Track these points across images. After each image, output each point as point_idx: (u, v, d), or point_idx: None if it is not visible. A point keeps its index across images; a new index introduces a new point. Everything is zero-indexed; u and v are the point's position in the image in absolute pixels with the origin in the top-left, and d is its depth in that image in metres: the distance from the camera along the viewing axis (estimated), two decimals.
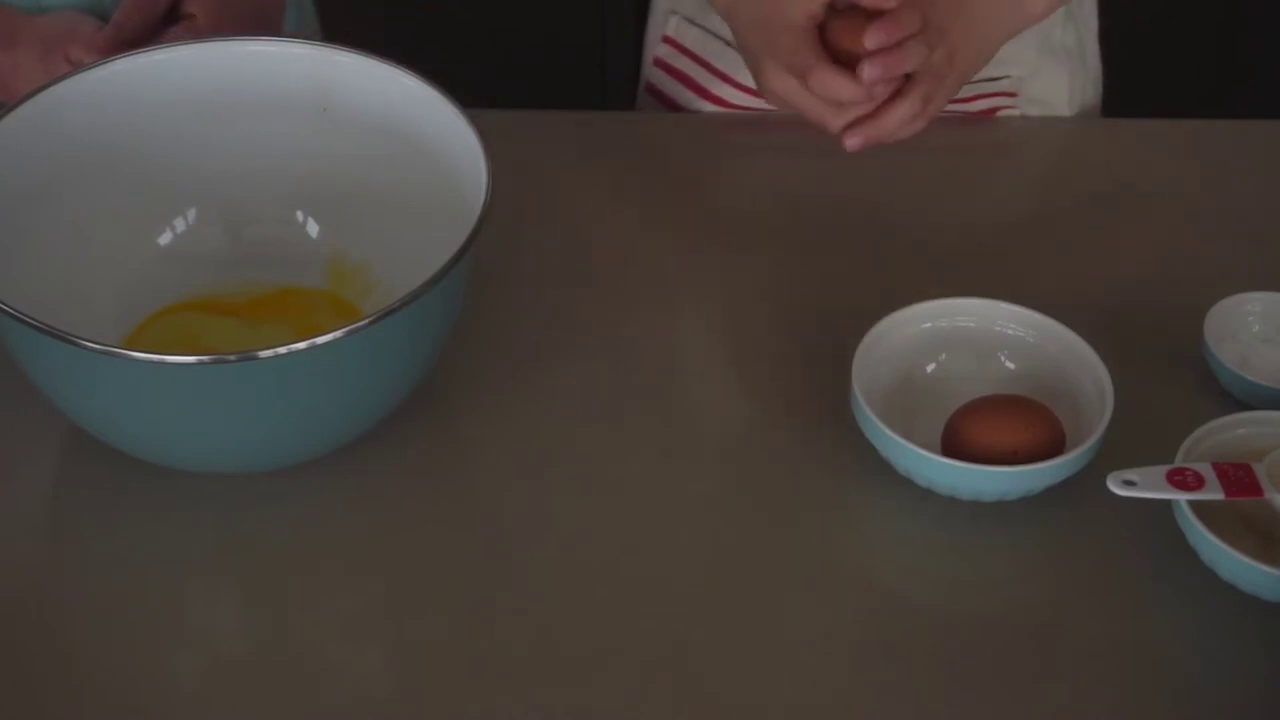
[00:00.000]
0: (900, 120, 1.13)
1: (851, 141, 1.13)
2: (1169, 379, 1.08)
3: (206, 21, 1.17)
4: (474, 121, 1.02)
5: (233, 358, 0.89)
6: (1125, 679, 0.92)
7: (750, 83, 1.33)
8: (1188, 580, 0.95)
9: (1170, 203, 1.24)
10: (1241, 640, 0.93)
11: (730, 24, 1.17)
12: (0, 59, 1.16)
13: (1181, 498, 0.94)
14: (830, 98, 1.11)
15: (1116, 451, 0.98)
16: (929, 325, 1.07)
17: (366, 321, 0.90)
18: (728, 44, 1.34)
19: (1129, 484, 0.94)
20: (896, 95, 1.13)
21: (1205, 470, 0.95)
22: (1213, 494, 0.94)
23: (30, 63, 1.15)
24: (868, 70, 1.10)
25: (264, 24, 1.24)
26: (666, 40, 1.39)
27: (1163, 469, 0.95)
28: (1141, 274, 1.17)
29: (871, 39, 1.09)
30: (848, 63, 1.10)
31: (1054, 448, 0.99)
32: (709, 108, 1.36)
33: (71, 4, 1.21)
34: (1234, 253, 1.19)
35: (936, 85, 1.14)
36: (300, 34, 1.36)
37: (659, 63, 1.39)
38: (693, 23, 1.37)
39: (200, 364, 0.89)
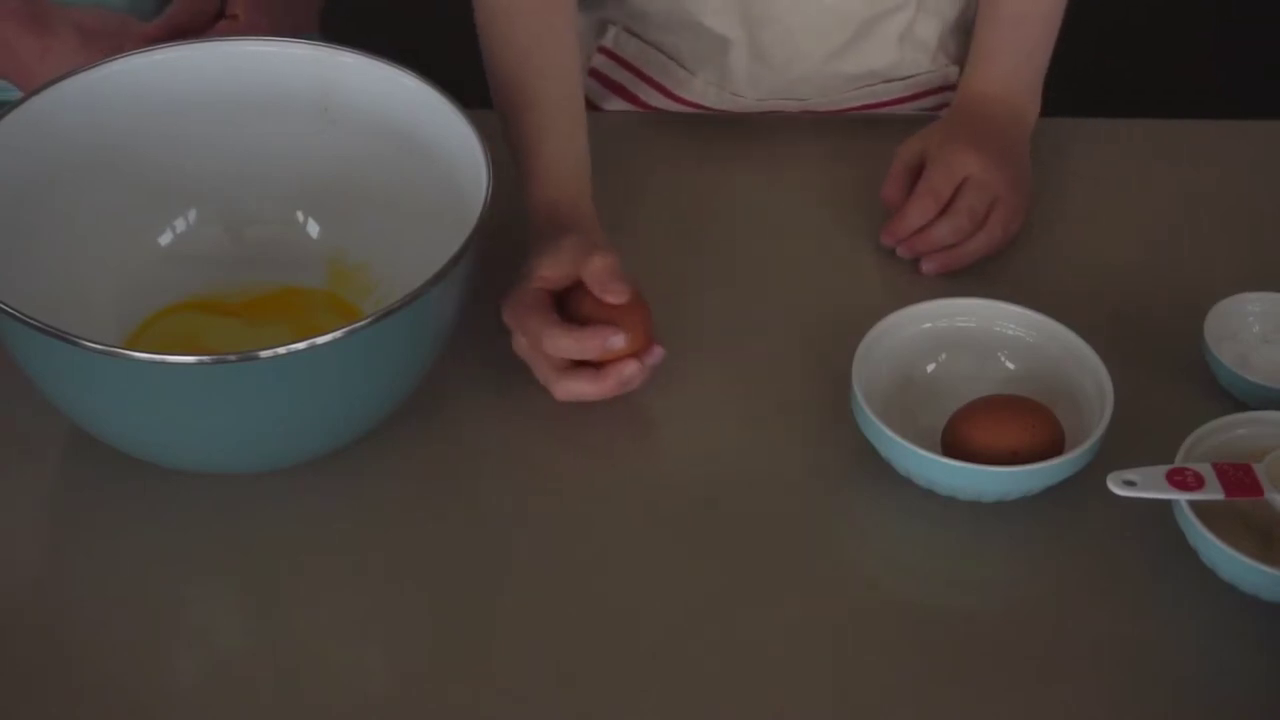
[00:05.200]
0: (978, 254, 1.16)
1: (928, 267, 1.16)
2: (1169, 379, 1.08)
3: (248, 21, 1.19)
4: (474, 121, 1.02)
5: (233, 358, 0.89)
6: (1125, 679, 0.92)
7: (687, 94, 1.34)
8: (1188, 580, 0.95)
9: (1170, 203, 1.24)
10: (1241, 640, 0.93)
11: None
12: (30, 43, 1.16)
13: (1181, 498, 0.94)
14: (559, 354, 1.04)
15: (1116, 451, 0.98)
16: (929, 325, 1.07)
17: (366, 321, 0.90)
18: (669, 57, 1.35)
19: (1129, 484, 0.94)
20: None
21: (1205, 470, 0.95)
22: (1213, 494, 0.94)
23: (65, 48, 1.15)
24: (901, 250, 1.16)
25: (298, 27, 1.26)
26: (604, 51, 1.38)
27: (1163, 469, 0.95)
28: (1141, 274, 1.17)
29: (885, 239, 1.16)
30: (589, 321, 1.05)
31: (1054, 448, 0.99)
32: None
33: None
34: (1234, 253, 1.19)
35: (1011, 212, 1.17)
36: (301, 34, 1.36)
37: (595, 74, 1.38)
38: (633, 34, 1.36)
39: (200, 364, 0.89)
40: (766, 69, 1.31)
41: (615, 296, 1.03)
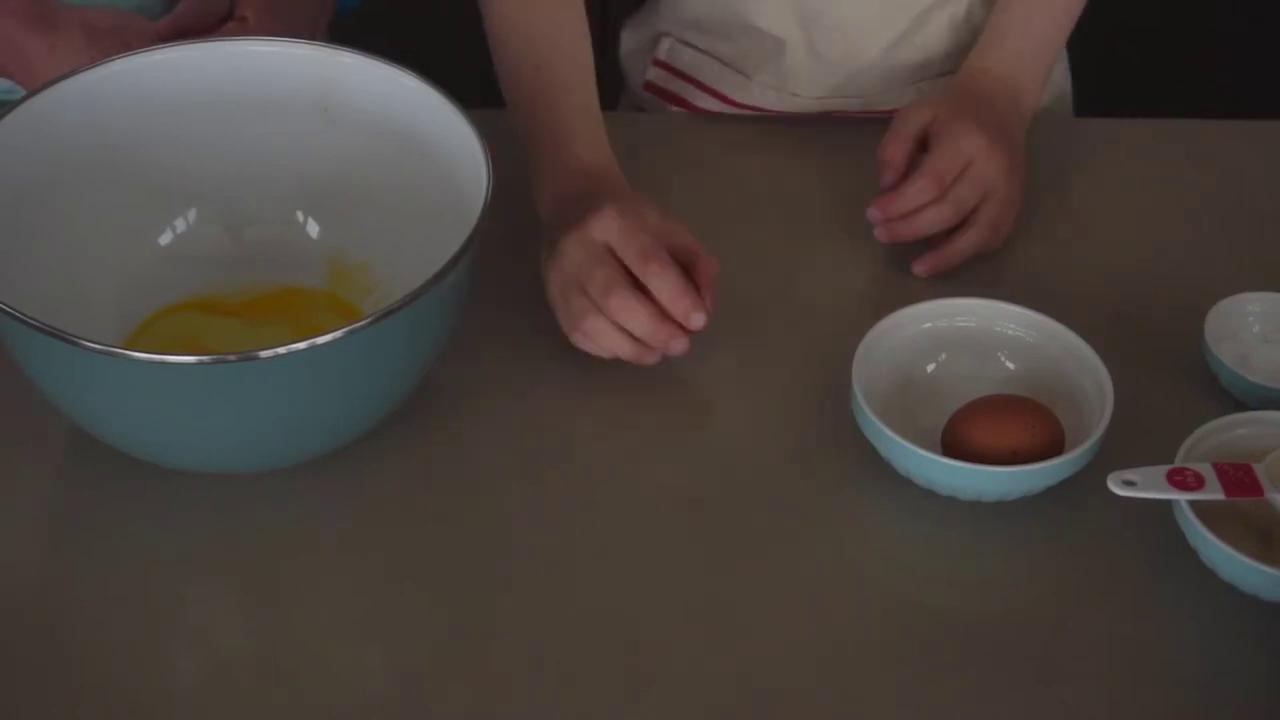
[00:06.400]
0: (967, 253, 1.15)
1: (920, 268, 1.14)
2: (1169, 379, 1.08)
3: (258, 23, 1.19)
4: (474, 121, 1.02)
5: (233, 358, 0.89)
6: (1125, 679, 0.92)
7: (745, 98, 1.33)
8: (1188, 580, 0.95)
9: (1170, 203, 1.24)
10: (1241, 640, 0.93)
11: (545, 222, 1.11)
12: (35, 41, 1.16)
13: (1181, 498, 0.94)
14: (624, 321, 1.04)
15: (1116, 451, 0.98)
16: (929, 325, 1.07)
17: (366, 321, 0.90)
18: (725, 64, 1.34)
19: (1129, 484, 0.94)
20: (962, 226, 1.15)
21: (1205, 470, 0.95)
22: (1213, 494, 0.94)
23: (71, 47, 1.15)
24: (877, 231, 1.14)
25: (311, 29, 1.26)
26: (658, 64, 1.38)
27: (1163, 469, 0.95)
28: (1141, 274, 1.17)
29: (873, 212, 1.14)
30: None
31: (1054, 448, 0.99)
32: None
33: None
34: (1234, 253, 1.19)
35: (1001, 208, 1.15)
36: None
37: (650, 87, 1.38)
38: (687, 44, 1.36)
39: (200, 364, 0.89)
40: (824, 66, 1.31)
41: (698, 324, 1.03)
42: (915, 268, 1.15)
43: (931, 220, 1.14)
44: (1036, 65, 1.25)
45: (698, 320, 1.02)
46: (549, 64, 1.16)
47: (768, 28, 1.30)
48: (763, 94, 1.33)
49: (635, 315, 1.02)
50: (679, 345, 1.03)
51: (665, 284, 1.02)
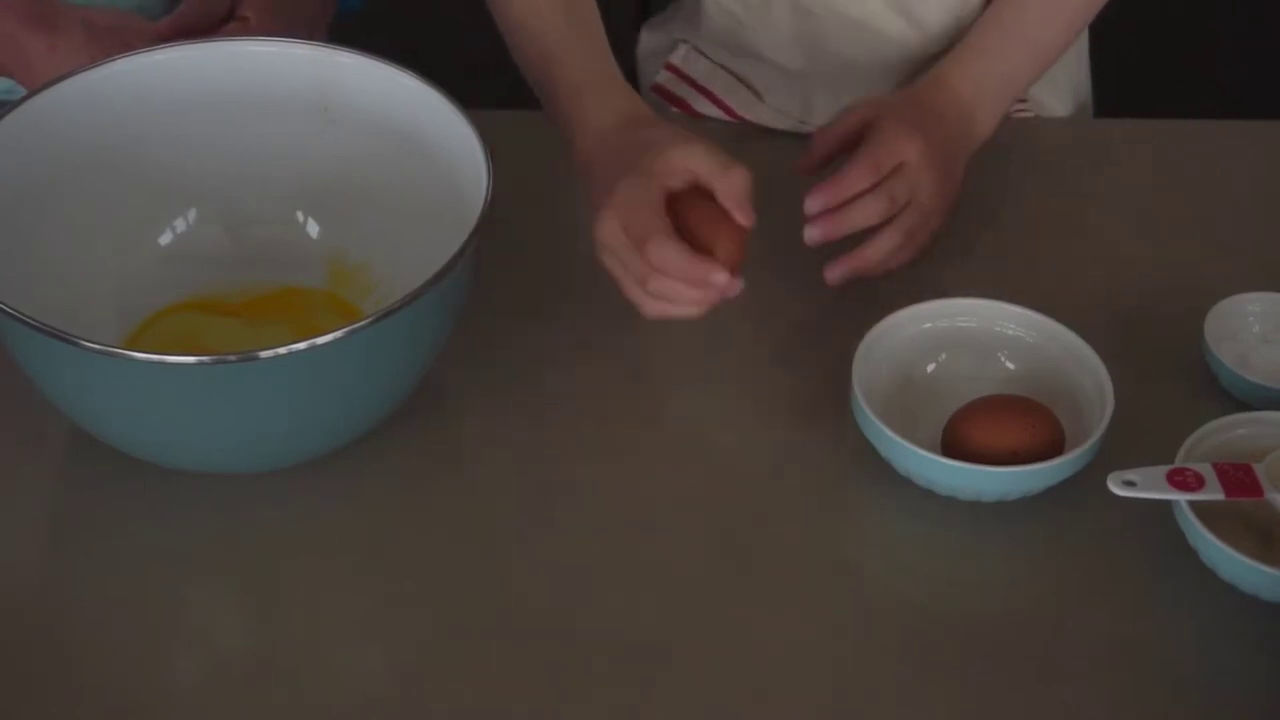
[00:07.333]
0: (883, 252, 1.11)
1: (832, 274, 1.10)
2: (1169, 379, 1.08)
3: (259, 23, 1.19)
4: (474, 121, 1.02)
5: (233, 358, 0.89)
6: (1125, 679, 0.92)
7: (751, 116, 1.33)
8: (1188, 580, 0.95)
9: (1170, 203, 1.24)
10: (1241, 640, 0.93)
11: (585, 178, 1.08)
12: (34, 40, 1.16)
13: (1181, 498, 0.94)
14: (662, 269, 0.99)
15: (1116, 451, 0.98)
16: (929, 325, 1.07)
17: (366, 321, 0.90)
18: (737, 78, 1.34)
19: (1129, 484, 0.94)
20: (881, 226, 1.10)
21: (1205, 470, 0.95)
22: (1213, 494, 0.94)
23: (72, 46, 1.16)
24: (809, 233, 1.08)
25: (312, 29, 1.26)
26: (670, 68, 1.38)
27: (1163, 469, 0.95)
28: (1141, 274, 1.17)
29: (812, 202, 1.07)
30: (693, 244, 0.99)
31: (1054, 448, 0.99)
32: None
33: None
34: (1234, 253, 1.19)
35: (920, 219, 1.12)
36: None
37: (657, 89, 1.38)
38: (704, 55, 1.36)
39: (200, 364, 0.89)
40: (835, 101, 1.30)
41: (747, 219, 0.98)
42: (827, 274, 1.10)
43: (863, 213, 1.09)
44: (1001, 87, 1.20)
45: (719, 280, 0.98)
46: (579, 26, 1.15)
47: (776, 59, 1.30)
48: (773, 118, 1.32)
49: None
50: (728, 284, 0.98)
51: (666, 261, 0.98)
